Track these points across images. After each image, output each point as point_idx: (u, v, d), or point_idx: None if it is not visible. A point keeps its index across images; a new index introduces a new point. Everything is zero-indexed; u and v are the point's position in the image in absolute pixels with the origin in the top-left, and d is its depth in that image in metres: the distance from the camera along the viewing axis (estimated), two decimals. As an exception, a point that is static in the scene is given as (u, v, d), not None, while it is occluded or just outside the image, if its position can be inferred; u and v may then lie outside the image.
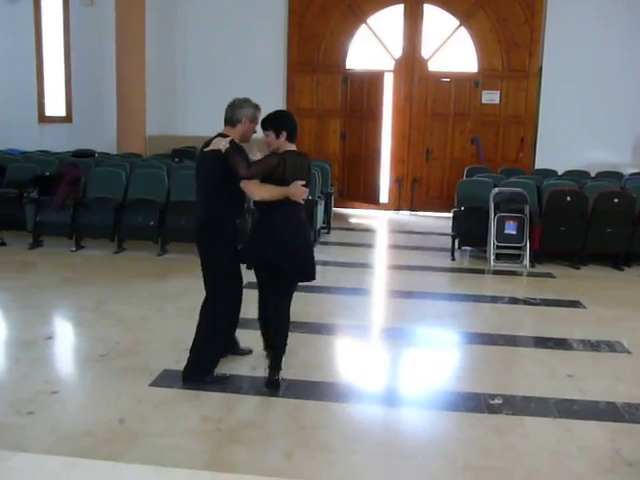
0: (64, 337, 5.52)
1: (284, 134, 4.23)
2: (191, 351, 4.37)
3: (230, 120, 4.35)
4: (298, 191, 4.19)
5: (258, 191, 4.16)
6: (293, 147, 4.29)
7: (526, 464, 3.43)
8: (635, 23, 11.35)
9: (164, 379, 4.37)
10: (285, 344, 4.32)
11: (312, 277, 4.46)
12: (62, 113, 12.95)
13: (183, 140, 12.03)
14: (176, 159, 10.59)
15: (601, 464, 3.44)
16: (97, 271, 7.35)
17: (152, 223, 8.07)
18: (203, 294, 6.34)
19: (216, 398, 4.10)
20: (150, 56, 11.94)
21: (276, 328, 4.35)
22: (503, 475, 3.33)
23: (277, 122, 4.26)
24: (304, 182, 4.23)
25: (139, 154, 11.30)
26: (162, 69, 12.31)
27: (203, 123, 12.13)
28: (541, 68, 11.72)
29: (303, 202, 4.27)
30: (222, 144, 4.05)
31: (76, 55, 12.64)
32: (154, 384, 4.29)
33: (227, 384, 4.29)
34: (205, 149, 4.20)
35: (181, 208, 8.05)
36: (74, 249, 8.14)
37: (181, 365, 4.56)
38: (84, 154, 10.54)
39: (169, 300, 6.21)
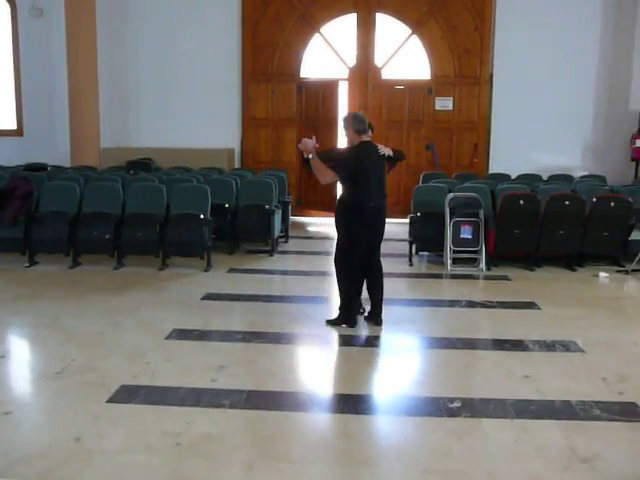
0: (18, 355, 5.39)
1: None
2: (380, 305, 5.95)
3: (366, 130, 5.72)
4: None
5: None
6: None
7: (485, 466, 3.47)
8: (582, 30, 11.65)
9: (122, 395, 4.31)
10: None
11: None
12: (13, 126, 12.68)
13: (138, 152, 11.93)
14: (131, 171, 10.49)
15: (557, 462, 3.50)
16: (52, 287, 7.20)
17: (108, 236, 7.96)
18: (160, 307, 6.37)
19: (176, 412, 4.06)
20: (102, 67, 11.84)
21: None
22: (463, 478, 3.36)
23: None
24: None
25: (93, 167, 11.15)
26: (115, 80, 12.18)
27: (158, 134, 12.12)
28: (492, 75, 11.95)
29: None
30: (388, 151, 5.72)
31: (26, 67, 12.39)
32: (112, 400, 4.22)
33: None
34: (380, 152, 5.69)
35: (137, 220, 7.98)
36: (28, 265, 7.98)
37: (139, 380, 4.53)
38: (36, 168, 10.36)
39: (126, 314, 6.13)
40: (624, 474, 3.41)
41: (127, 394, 4.31)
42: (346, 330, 5.92)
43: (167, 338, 5.46)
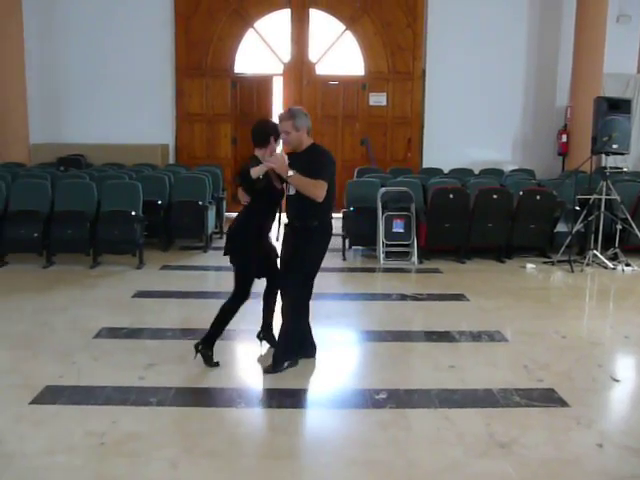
0: (-62, 359, 5.23)
1: None
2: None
3: None
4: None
5: None
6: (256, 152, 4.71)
7: (407, 455, 3.56)
8: (511, 27, 11.97)
9: (46, 395, 4.23)
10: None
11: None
12: None
13: (70, 148, 11.68)
14: (62, 168, 10.27)
15: (476, 448, 3.62)
16: (-24, 287, 7.01)
17: (36, 235, 7.78)
18: (90, 306, 6.27)
19: (101, 412, 4.01)
20: (31, 61, 11.51)
21: None
22: (385, 467, 3.44)
23: None
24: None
25: (22, 163, 10.86)
26: (45, 74, 11.89)
27: (91, 130, 11.87)
28: (424, 71, 12.14)
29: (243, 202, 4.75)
30: None
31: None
32: (35, 401, 4.14)
33: None
34: None
35: (67, 218, 7.82)
36: (-50, 265, 7.75)
37: (65, 380, 4.45)
38: (-40, 165, 10.04)
39: (55, 313, 6.01)
40: (539, 457, 3.54)
41: (51, 395, 4.24)
42: (276, 326, 5.94)
43: (96, 337, 5.38)
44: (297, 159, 4.56)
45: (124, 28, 11.70)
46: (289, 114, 4.57)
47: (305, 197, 4.50)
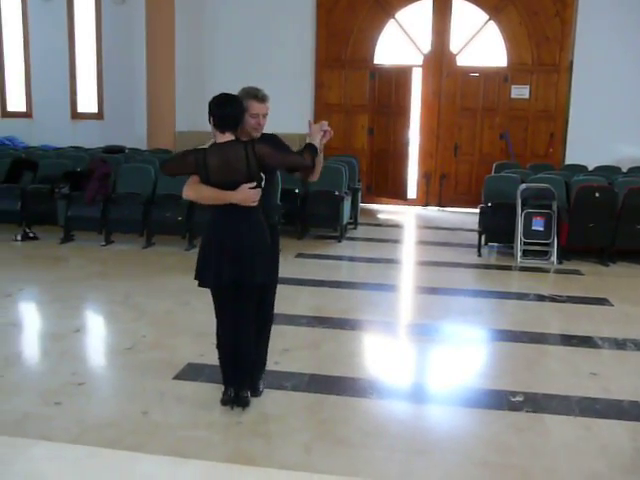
0: (92, 330, 5.65)
1: (211, 121, 3.71)
2: None
3: None
4: (245, 196, 3.66)
5: (185, 189, 3.81)
6: (226, 138, 3.74)
7: (544, 462, 3.42)
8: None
9: (188, 372, 4.45)
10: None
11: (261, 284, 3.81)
12: (94, 110, 13.17)
13: (211, 136, 12.15)
14: (204, 155, 10.70)
15: (621, 463, 3.42)
16: (126, 265, 7.47)
17: (180, 218, 8.17)
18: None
19: (238, 392, 4.16)
20: (180, 53, 12.06)
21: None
22: (520, 472, 3.33)
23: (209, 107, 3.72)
24: (254, 184, 3.66)
25: (168, 150, 11.44)
26: (191, 66, 12.41)
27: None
28: (572, 62, 11.55)
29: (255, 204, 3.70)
30: None
31: (107, 53, 12.85)
32: (178, 377, 4.37)
33: None
34: None
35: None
36: (104, 244, 8.29)
37: (205, 359, 4.64)
38: (114, 150, 10.71)
39: (196, 295, 6.17)
40: (691, 479, 3.30)
41: (193, 372, 4.45)
42: (409, 319, 5.91)
43: (233, 319, 5.57)
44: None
45: (267, 21, 11.99)
46: (266, 95, 3.88)
47: (272, 187, 3.90)
